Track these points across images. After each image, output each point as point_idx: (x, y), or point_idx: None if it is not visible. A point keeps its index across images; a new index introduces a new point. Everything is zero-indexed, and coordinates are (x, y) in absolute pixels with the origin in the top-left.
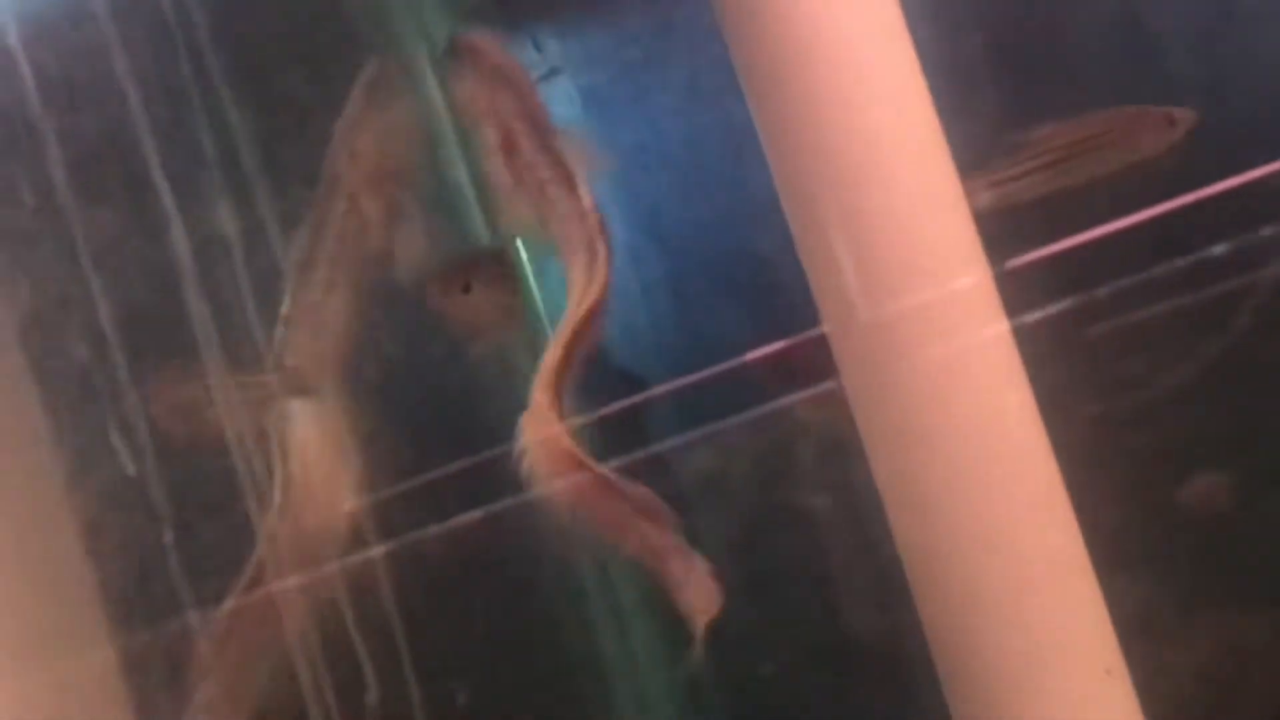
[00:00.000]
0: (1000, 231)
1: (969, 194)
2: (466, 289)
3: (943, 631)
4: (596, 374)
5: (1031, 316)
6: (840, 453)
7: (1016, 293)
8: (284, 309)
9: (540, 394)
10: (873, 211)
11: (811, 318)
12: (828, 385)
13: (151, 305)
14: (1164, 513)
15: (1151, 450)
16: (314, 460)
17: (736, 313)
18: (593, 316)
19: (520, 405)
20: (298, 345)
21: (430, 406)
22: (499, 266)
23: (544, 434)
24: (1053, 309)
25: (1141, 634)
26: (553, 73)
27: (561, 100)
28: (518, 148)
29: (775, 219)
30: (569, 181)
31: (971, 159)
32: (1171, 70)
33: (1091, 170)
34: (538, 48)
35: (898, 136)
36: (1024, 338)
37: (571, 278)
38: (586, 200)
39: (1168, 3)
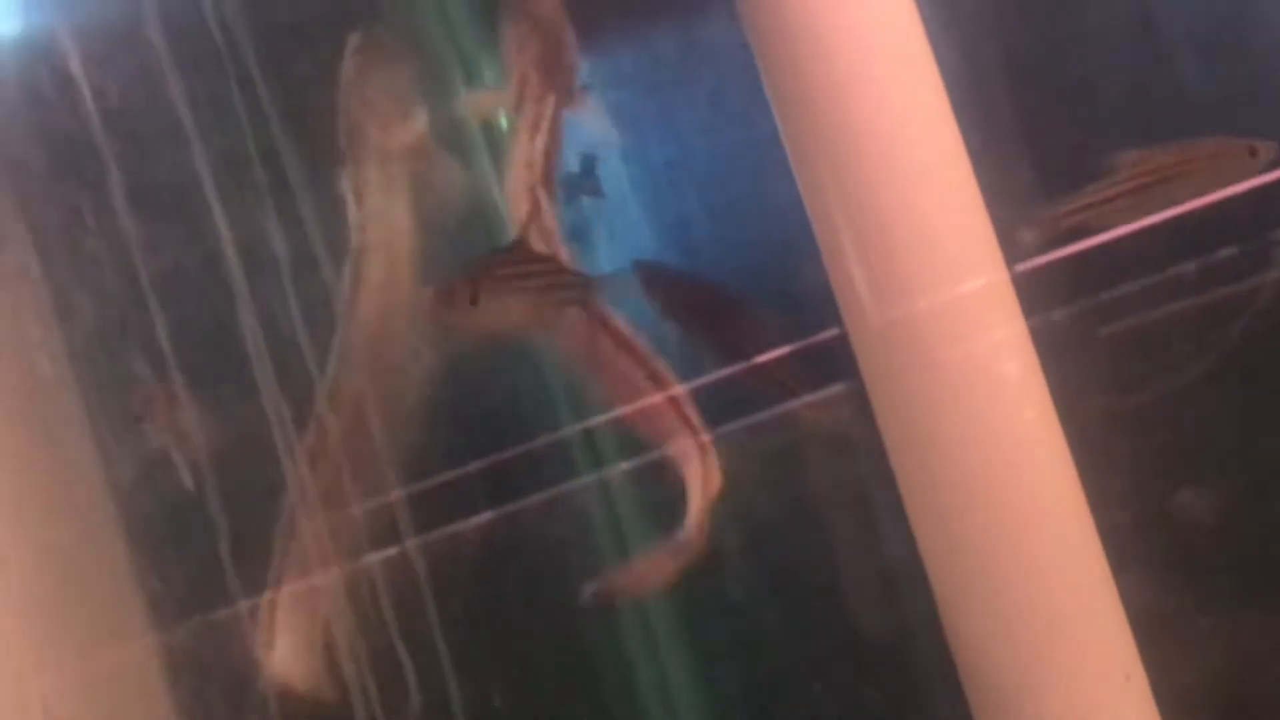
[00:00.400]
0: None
1: (1056, 220)
2: (474, 301)
3: (963, 633)
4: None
5: (1049, 316)
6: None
7: (1034, 293)
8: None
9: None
10: (893, 215)
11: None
12: (839, 387)
13: (204, 323)
14: (1179, 514)
15: (1167, 449)
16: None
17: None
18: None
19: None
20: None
21: (456, 401)
22: (509, 270)
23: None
24: (1070, 308)
25: (1159, 638)
26: (584, 90)
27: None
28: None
29: (800, 232)
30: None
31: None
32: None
33: (1174, 199)
34: None
35: (918, 144)
36: (1041, 337)
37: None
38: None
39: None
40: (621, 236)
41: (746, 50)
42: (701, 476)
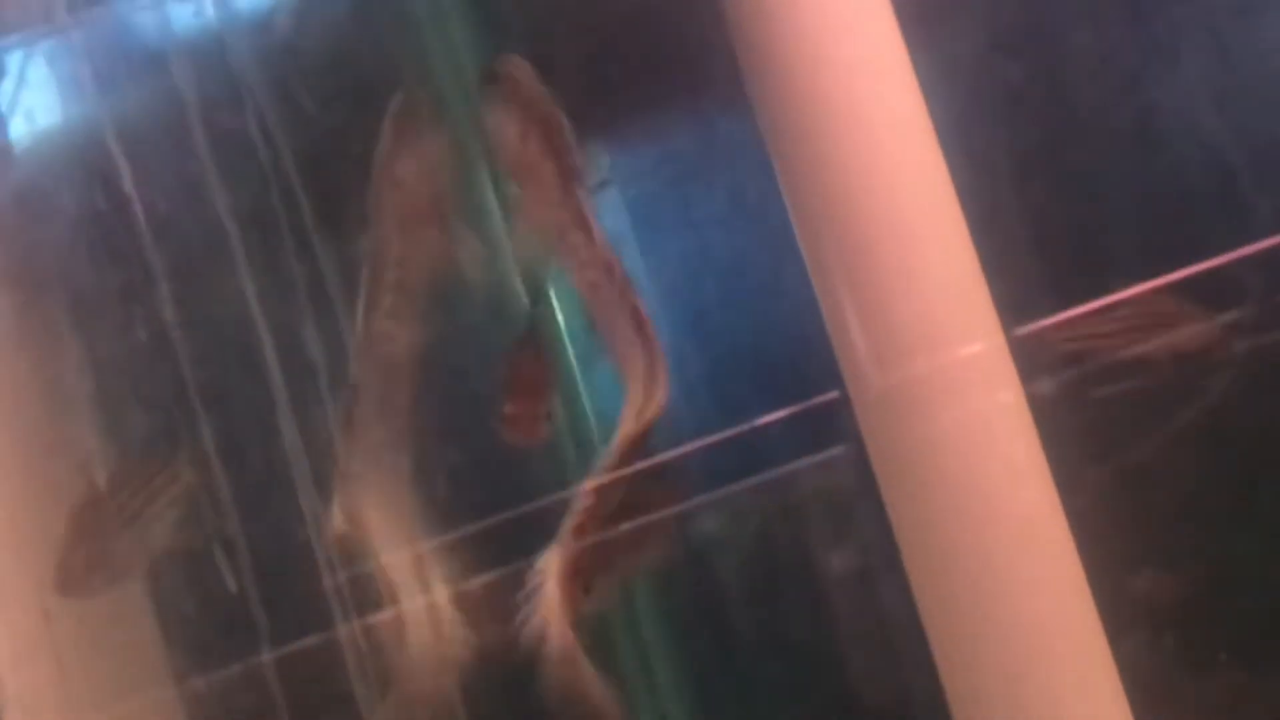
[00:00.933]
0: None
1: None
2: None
3: (960, 691)
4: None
5: (1045, 381)
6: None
7: (1029, 358)
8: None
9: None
10: (892, 282)
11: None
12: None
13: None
14: (1173, 572)
15: (1161, 511)
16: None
17: (786, 423)
18: (647, 433)
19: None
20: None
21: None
22: (530, 370)
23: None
24: (1065, 374)
25: (1153, 698)
26: (602, 185)
27: (610, 211)
28: (542, 184)
29: (814, 323)
30: (585, 224)
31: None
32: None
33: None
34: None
35: (918, 214)
36: (1037, 402)
37: (616, 355)
38: (601, 241)
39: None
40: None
41: (762, 146)
42: (641, 396)
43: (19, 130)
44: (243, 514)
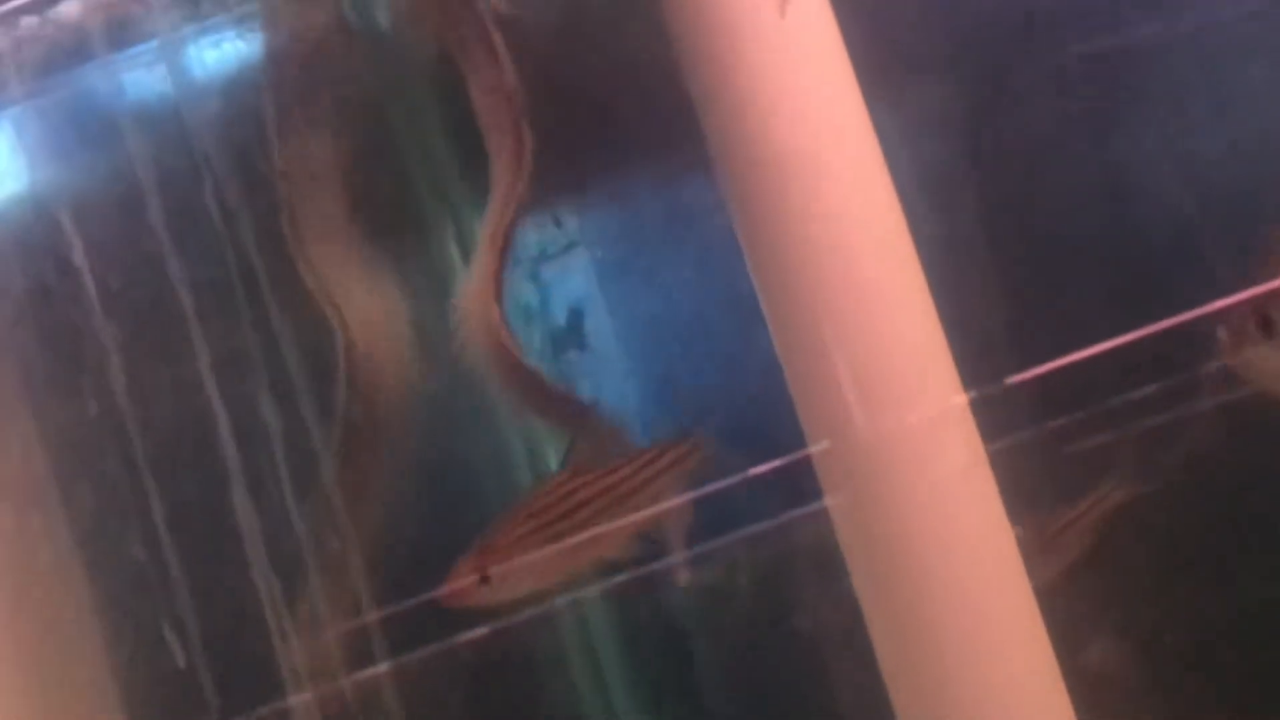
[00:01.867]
0: (976, 358)
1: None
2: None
3: None
4: None
5: (1006, 440)
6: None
7: (991, 417)
8: None
9: (480, 274)
10: (853, 343)
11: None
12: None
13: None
14: (1138, 634)
15: (1124, 568)
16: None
17: (748, 484)
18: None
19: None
20: None
21: (432, 517)
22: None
23: (482, 319)
24: (1026, 432)
25: None
26: (570, 247)
27: (579, 273)
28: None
29: (780, 383)
30: (493, 51)
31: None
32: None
33: None
34: (558, 224)
35: (879, 276)
36: (998, 460)
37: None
38: (509, 75)
39: None
40: (607, 389)
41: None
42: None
43: None
44: (193, 588)
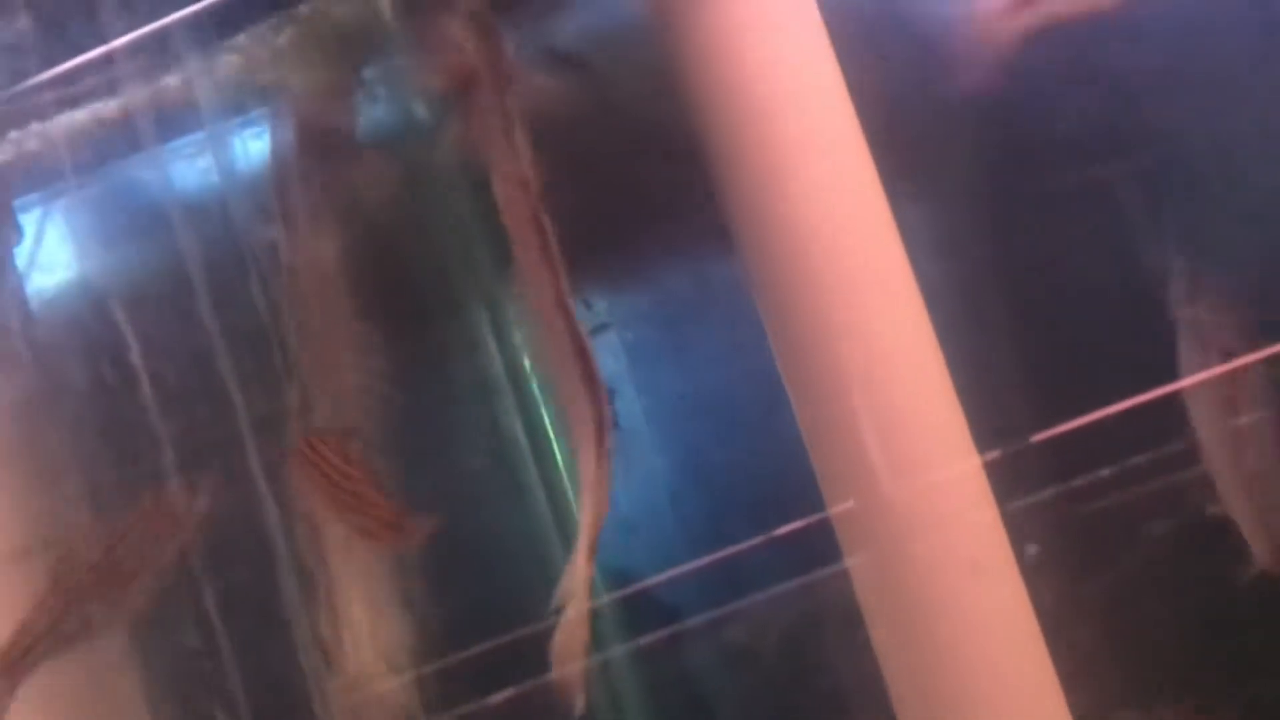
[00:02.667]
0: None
1: None
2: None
3: None
4: (634, 608)
5: (1019, 502)
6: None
7: (1004, 479)
8: None
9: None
10: (870, 411)
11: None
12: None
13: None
14: (1149, 688)
15: (1134, 623)
16: (364, 627)
17: (769, 548)
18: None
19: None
20: None
21: (464, 582)
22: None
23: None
24: (1039, 494)
25: None
26: (601, 328)
27: (609, 353)
28: (474, 90)
29: (806, 464)
30: (513, 143)
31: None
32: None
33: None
34: (588, 306)
35: (895, 348)
36: (1011, 521)
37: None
38: (526, 164)
39: None
40: (636, 466)
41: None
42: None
43: (35, 284)
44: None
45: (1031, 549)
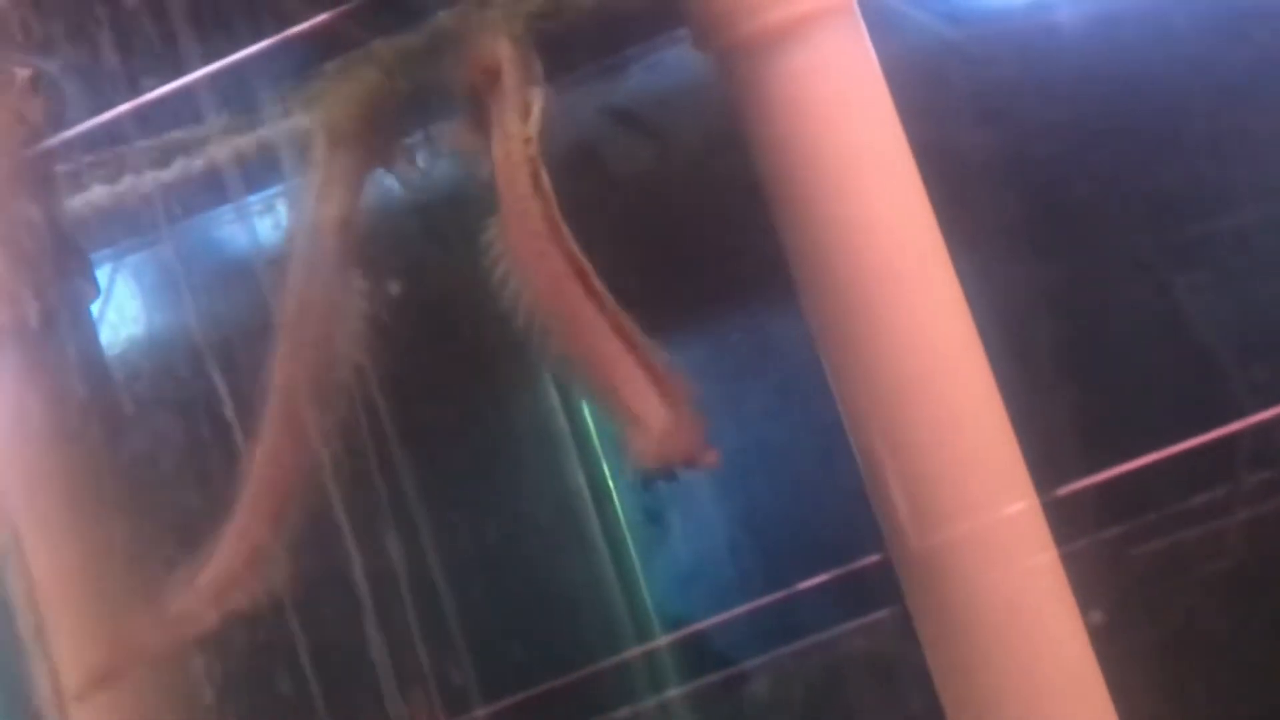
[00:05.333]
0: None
1: None
2: None
3: None
4: (694, 654)
5: (1079, 543)
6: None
7: (1064, 519)
8: None
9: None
10: (930, 451)
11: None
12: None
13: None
14: None
15: (1197, 672)
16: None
17: (825, 599)
18: None
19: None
20: None
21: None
22: None
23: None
24: (1099, 535)
25: None
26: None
27: None
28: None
29: (863, 511)
30: (525, 110)
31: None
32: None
33: None
34: None
35: (955, 388)
36: (1071, 562)
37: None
38: (532, 126)
39: None
40: (695, 518)
41: (811, 343)
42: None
43: (108, 339)
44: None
45: (1092, 598)
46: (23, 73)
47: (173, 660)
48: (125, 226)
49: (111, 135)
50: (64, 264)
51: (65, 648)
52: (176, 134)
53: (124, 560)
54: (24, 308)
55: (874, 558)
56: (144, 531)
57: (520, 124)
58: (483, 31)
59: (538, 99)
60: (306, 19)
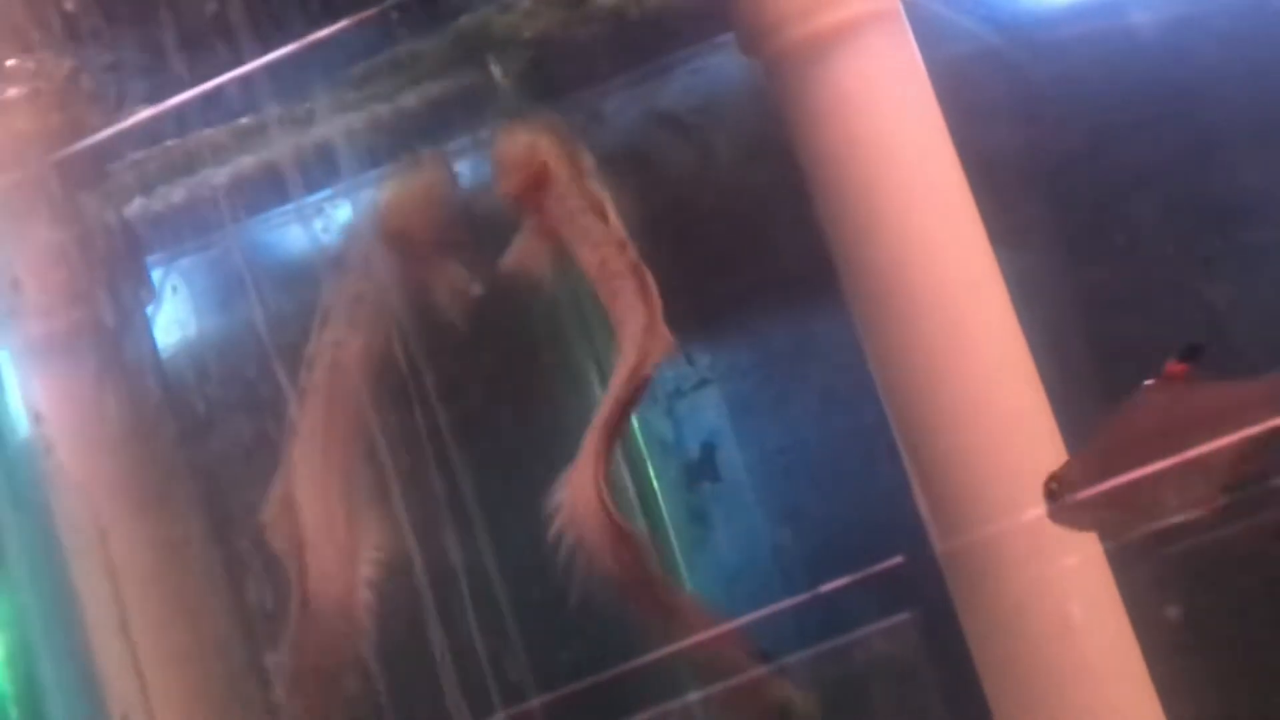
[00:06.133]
0: None
1: None
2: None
3: None
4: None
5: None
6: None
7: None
8: None
9: (591, 447)
10: (976, 451)
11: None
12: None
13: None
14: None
15: (1241, 664)
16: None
17: (868, 595)
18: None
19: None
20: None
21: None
22: None
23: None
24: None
25: None
26: (703, 383)
27: (710, 408)
28: (550, 182)
29: (903, 513)
30: (601, 209)
31: None
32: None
33: None
34: (690, 361)
35: (1000, 390)
36: (1114, 556)
37: (619, 317)
38: (618, 230)
39: None
40: (738, 518)
41: (853, 345)
42: (634, 356)
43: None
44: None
45: (1136, 592)
46: (65, 65)
47: None
48: (176, 231)
49: (164, 134)
50: (128, 265)
51: (146, 645)
52: (221, 132)
53: (197, 558)
54: (99, 308)
55: (920, 553)
56: (214, 526)
57: (603, 225)
58: (515, 137)
59: (603, 190)
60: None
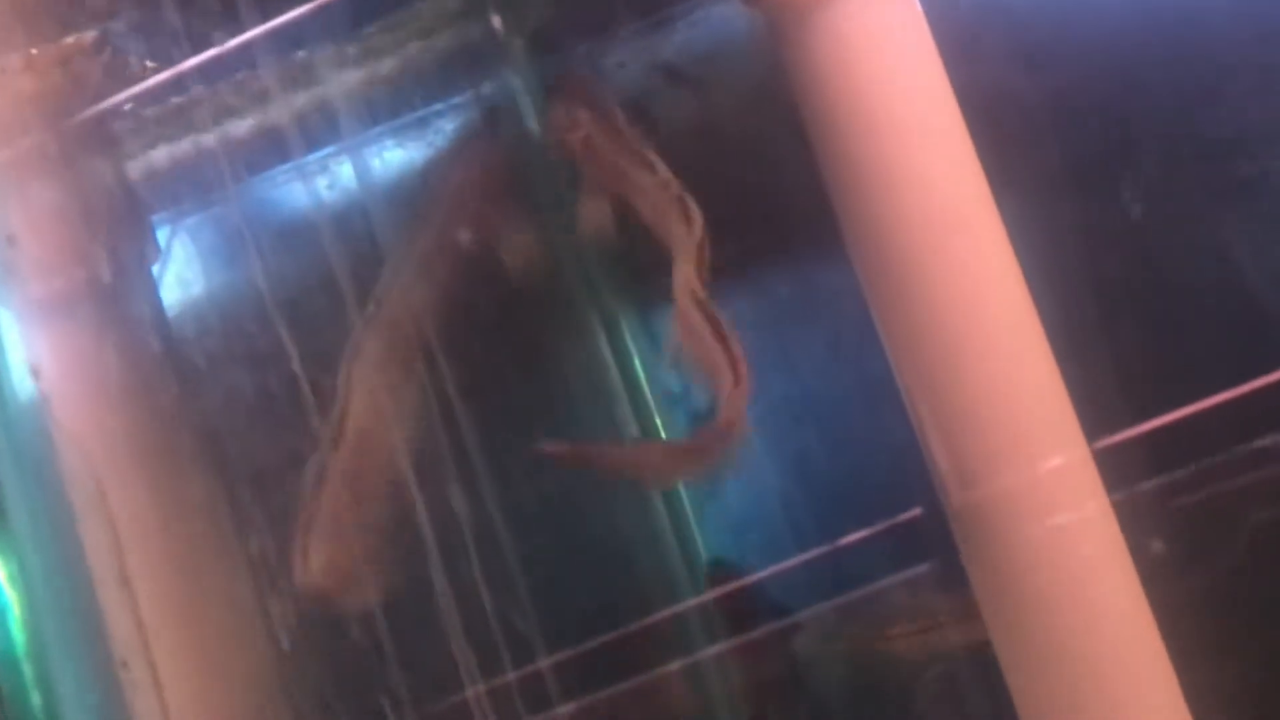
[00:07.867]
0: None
1: None
2: None
3: None
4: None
5: (1130, 490)
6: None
7: (1114, 469)
8: None
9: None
10: (981, 402)
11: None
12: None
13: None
14: (1263, 675)
15: (1248, 614)
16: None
17: (879, 549)
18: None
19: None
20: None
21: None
22: None
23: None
24: (1150, 483)
25: None
26: None
27: None
28: (595, 142)
29: (911, 464)
30: (646, 160)
31: None
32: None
33: None
34: None
35: (1004, 337)
36: (1123, 511)
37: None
38: (664, 172)
39: None
40: (745, 468)
41: (858, 295)
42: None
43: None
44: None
45: (1149, 541)
46: (86, 36)
47: None
48: (181, 189)
49: (168, 93)
50: (131, 224)
51: (146, 595)
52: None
53: (200, 511)
54: (98, 266)
55: (914, 511)
56: (216, 483)
57: (652, 176)
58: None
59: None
60: None
